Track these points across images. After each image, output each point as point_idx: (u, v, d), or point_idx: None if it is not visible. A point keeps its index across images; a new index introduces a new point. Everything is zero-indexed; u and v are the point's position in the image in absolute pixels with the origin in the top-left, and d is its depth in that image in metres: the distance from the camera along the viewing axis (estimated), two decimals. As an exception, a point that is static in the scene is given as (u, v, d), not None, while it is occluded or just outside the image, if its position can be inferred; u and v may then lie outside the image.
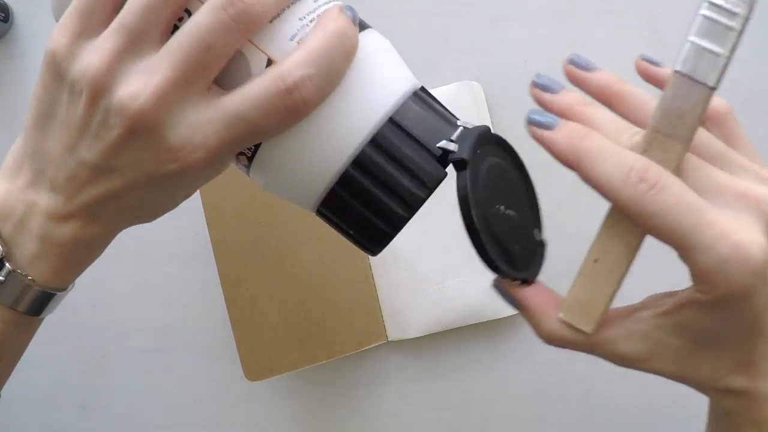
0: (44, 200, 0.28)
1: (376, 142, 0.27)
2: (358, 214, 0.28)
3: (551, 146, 0.27)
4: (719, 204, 0.24)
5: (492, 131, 0.30)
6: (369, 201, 0.27)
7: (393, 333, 0.49)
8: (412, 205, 0.27)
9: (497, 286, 0.31)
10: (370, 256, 0.48)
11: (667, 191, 0.24)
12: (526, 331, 0.49)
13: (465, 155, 0.27)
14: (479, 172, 0.28)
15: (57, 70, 0.27)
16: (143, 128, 0.26)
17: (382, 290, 0.49)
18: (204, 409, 0.49)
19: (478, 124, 0.29)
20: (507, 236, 0.29)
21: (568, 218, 0.49)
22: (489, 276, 0.49)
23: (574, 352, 0.51)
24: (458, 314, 0.48)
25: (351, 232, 0.29)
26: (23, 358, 0.50)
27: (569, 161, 0.27)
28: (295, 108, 0.26)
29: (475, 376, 0.49)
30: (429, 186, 0.27)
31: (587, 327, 0.28)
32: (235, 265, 0.47)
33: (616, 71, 0.50)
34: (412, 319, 0.48)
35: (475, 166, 0.28)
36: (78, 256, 0.30)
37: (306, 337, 0.47)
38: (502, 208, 0.29)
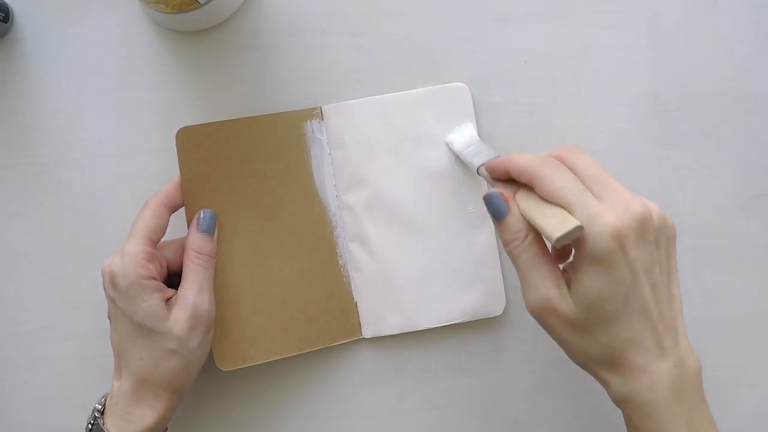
0: None
1: None
2: None
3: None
4: (606, 201, 0.36)
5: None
6: None
7: (368, 330, 0.49)
8: None
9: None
10: (345, 251, 0.48)
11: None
12: (525, 331, 0.49)
13: None
14: None
15: None
16: None
17: (358, 287, 0.49)
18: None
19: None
20: None
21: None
22: (468, 279, 0.49)
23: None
24: (432, 315, 0.48)
25: None
26: (23, 358, 0.50)
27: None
28: None
29: (474, 376, 0.50)
30: None
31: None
32: None
33: (615, 71, 0.50)
34: (387, 317, 0.48)
35: None
36: None
37: (279, 328, 0.47)
38: None
